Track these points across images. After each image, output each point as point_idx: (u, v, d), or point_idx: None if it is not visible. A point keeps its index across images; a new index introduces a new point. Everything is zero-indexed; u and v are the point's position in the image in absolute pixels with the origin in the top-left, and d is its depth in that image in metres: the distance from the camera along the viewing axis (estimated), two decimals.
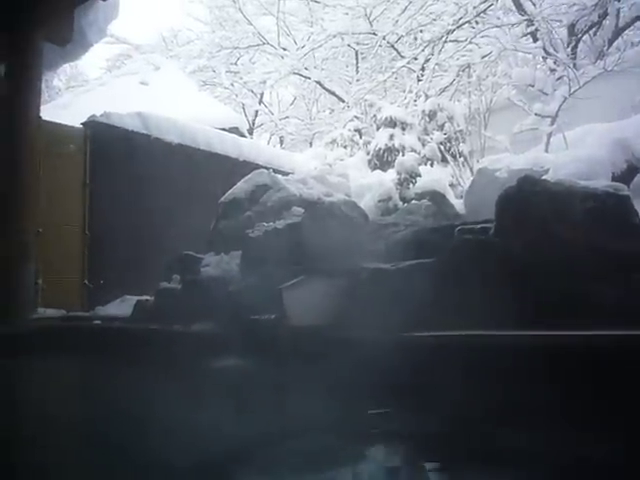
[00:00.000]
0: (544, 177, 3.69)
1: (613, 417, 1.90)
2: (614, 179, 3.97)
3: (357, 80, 12.93)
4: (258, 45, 14.30)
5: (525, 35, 9.67)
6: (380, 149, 7.34)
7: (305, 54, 12.95)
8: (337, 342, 2.75)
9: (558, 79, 7.18)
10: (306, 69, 13.26)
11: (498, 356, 2.20)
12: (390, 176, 6.46)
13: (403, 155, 6.83)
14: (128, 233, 6.36)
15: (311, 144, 14.35)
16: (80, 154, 6.44)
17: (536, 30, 9.22)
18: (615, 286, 2.45)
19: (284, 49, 13.69)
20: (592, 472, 1.65)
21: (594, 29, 9.92)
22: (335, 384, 2.42)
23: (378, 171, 7.04)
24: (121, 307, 5.51)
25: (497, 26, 9.88)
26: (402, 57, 11.78)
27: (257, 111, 16.40)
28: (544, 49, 8.57)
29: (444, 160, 6.74)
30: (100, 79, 14.29)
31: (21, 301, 4.93)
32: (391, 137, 7.32)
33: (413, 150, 7.01)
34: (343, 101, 12.86)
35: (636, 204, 2.90)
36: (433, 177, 6.03)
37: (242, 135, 10.31)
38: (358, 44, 13.13)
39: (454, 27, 10.43)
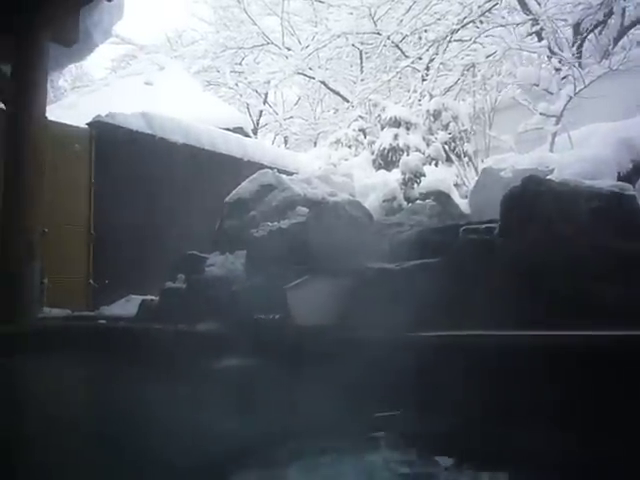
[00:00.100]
0: (549, 177, 3.68)
1: (614, 417, 1.90)
2: (619, 179, 3.95)
3: (361, 80, 12.91)
4: (262, 45, 14.31)
5: (530, 34, 9.63)
6: (384, 149, 7.32)
7: (309, 54, 12.94)
8: (341, 342, 2.75)
9: (563, 78, 7.15)
10: (310, 69, 13.26)
11: (499, 356, 2.20)
12: (394, 176, 6.45)
13: (407, 155, 6.81)
14: (133, 233, 6.38)
15: (315, 144, 14.35)
16: (85, 154, 6.46)
17: (541, 29, 9.18)
18: (620, 286, 2.44)
19: (288, 49, 13.70)
20: (592, 472, 1.65)
21: (599, 28, 9.88)
22: (340, 384, 2.42)
23: (382, 171, 7.03)
24: (126, 307, 5.53)
25: (502, 25, 9.85)
26: (406, 57, 11.76)
27: (261, 111, 16.42)
28: (549, 48, 8.54)
29: (449, 160, 6.72)
30: (105, 79, 14.33)
31: (26, 301, 4.94)
32: (395, 137, 7.30)
33: (418, 150, 6.99)
34: (347, 101, 12.86)
35: None
36: (438, 177, 6.01)
37: (246, 135, 10.32)
38: (362, 44, 13.12)
39: (459, 26, 10.40)
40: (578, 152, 4.60)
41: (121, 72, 13.95)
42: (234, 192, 5.02)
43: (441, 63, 10.42)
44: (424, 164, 6.45)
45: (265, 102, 16.39)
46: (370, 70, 13.43)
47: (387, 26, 12.04)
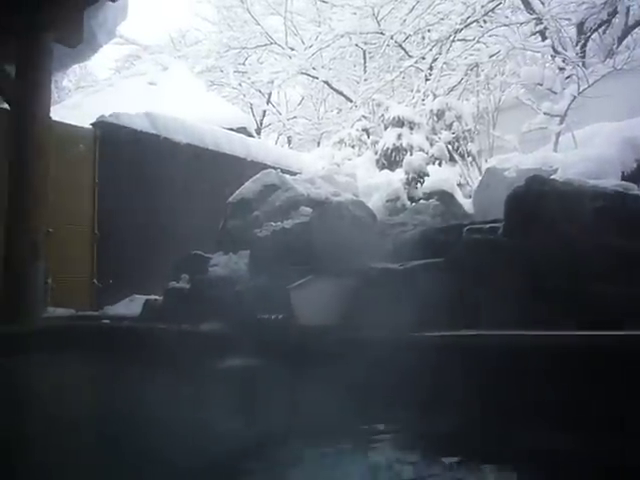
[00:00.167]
0: (553, 176, 3.67)
1: (616, 417, 1.89)
2: (624, 178, 3.93)
3: (365, 80, 12.91)
4: (266, 45, 14.32)
5: (534, 34, 9.62)
6: (388, 149, 7.31)
7: (313, 54, 12.95)
8: (345, 342, 2.75)
9: (567, 78, 7.13)
10: (314, 69, 13.27)
11: (501, 356, 2.20)
12: (398, 176, 6.44)
13: (411, 155, 6.81)
14: (137, 233, 6.39)
15: (319, 144, 14.36)
16: (89, 154, 6.48)
17: (545, 29, 9.17)
18: (624, 285, 2.43)
19: (292, 49, 13.70)
20: (593, 472, 1.65)
21: (603, 27, 9.85)
22: (343, 384, 2.42)
23: (386, 171, 7.02)
24: (130, 306, 5.54)
25: (505, 25, 9.85)
26: (410, 56, 11.76)
27: (265, 111, 16.42)
28: (553, 48, 8.52)
29: (452, 159, 6.71)
30: (109, 80, 14.35)
31: (31, 300, 4.96)
32: (399, 137, 7.30)
33: (421, 150, 6.99)
34: (351, 101, 12.85)
35: None
36: (441, 177, 6.00)
37: (250, 135, 10.32)
38: (366, 44, 13.12)
39: (462, 26, 10.39)
40: (582, 152, 4.59)
41: (125, 72, 13.97)
42: (237, 192, 5.03)
43: (444, 63, 10.42)
44: (427, 164, 6.45)
45: (268, 102, 16.40)
46: (373, 70, 13.43)
47: (390, 26, 12.04)
